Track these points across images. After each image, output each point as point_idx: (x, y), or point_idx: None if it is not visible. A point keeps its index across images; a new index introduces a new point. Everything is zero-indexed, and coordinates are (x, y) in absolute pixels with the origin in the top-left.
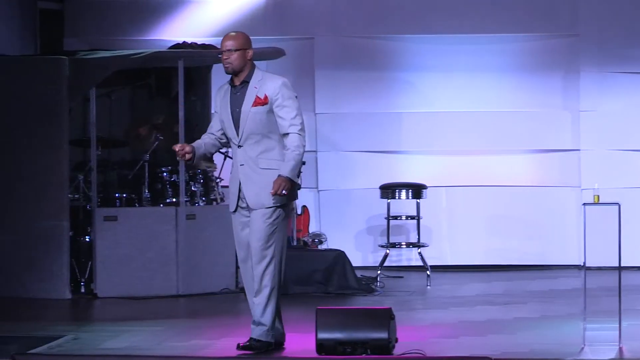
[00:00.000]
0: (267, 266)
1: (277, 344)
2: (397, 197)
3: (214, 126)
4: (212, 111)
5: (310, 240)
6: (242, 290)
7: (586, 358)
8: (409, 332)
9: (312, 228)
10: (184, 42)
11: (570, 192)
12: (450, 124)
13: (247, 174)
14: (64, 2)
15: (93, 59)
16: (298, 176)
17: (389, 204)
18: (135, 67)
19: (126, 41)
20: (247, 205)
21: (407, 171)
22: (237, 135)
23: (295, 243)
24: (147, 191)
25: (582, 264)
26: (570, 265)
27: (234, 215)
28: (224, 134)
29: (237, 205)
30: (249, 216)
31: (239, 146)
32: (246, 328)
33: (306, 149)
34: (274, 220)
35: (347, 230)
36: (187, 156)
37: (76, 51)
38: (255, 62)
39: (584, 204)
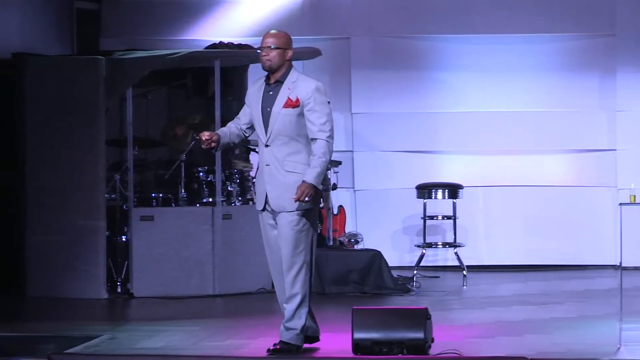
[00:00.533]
0: (297, 273)
1: (313, 338)
2: (433, 197)
3: (242, 118)
4: (245, 101)
5: (347, 240)
6: None
7: (622, 358)
8: (445, 332)
9: (349, 228)
10: (220, 42)
11: (607, 192)
12: (486, 123)
13: (272, 174)
14: (100, 2)
15: (130, 59)
16: (322, 182)
17: (425, 204)
18: (172, 67)
19: (163, 41)
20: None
21: (444, 171)
22: (265, 134)
23: (331, 243)
24: (183, 191)
25: (618, 264)
26: (606, 265)
27: (262, 215)
28: (249, 127)
29: (265, 205)
30: (274, 217)
31: (266, 145)
32: None
33: (343, 149)
34: (302, 226)
35: (383, 230)
36: (213, 145)
37: (113, 51)
38: (292, 63)
39: (620, 203)
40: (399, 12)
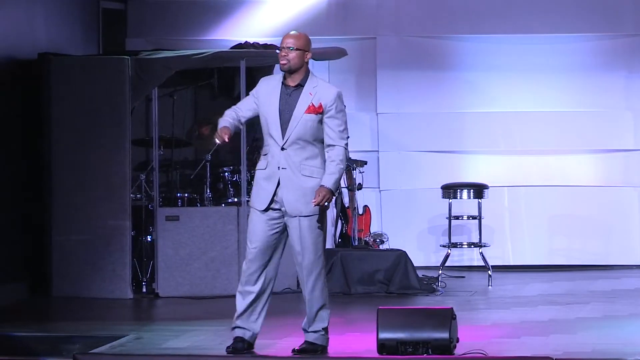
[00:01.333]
0: (317, 277)
1: (250, 344)
2: (458, 197)
3: (244, 110)
4: (250, 95)
5: (372, 240)
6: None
7: None
8: (470, 332)
9: (374, 228)
10: (246, 42)
11: (633, 192)
12: (511, 123)
13: (289, 178)
14: (126, 2)
15: (156, 59)
16: (348, 183)
17: (450, 204)
18: (198, 67)
19: (188, 41)
20: (282, 209)
21: (469, 171)
22: (283, 137)
23: (356, 243)
24: (208, 191)
25: None
26: (633, 265)
27: (261, 214)
28: (246, 120)
29: (269, 206)
30: (278, 219)
31: (283, 148)
32: None
33: (369, 149)
34: (320, 230)
35: (408, 230)
36: (226, 138)
37: (139, 51)
38: (315, 63)
39: None
40: (424, 12)
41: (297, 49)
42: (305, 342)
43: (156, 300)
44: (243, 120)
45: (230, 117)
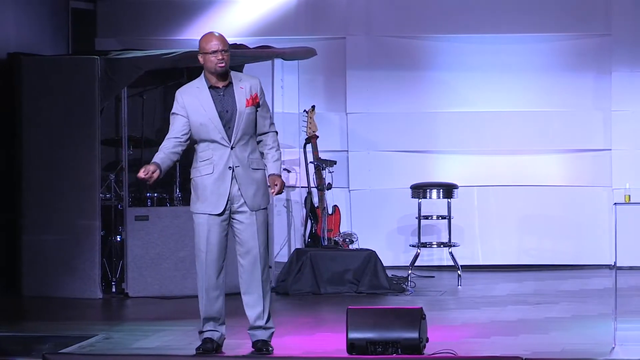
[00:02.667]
0: (266, 270)
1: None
2: (428, 197)
3: (178, 129)
4: (175, 114)
5: (342, 239)
6: (273, 289)
7: (617, 358)
8: (440, 331)
9: (343, 228)
10: None
11: (602, 191)
12: (481, 123)
13: (243, 175)
14: (96, 2)
15: (125, 59)
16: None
17: (420, 204)
18: (168, 66)
19: (158, 41)
20: (242, 207)
21: (439, 171)
22: (229, 136)
23: (326, 243)
24: (178, 191)
25: (613, 264)
26: (601, 265)
27: (214, 218)
28: (188, 138)
29: (225, 208)
30: (227, 219)
31: (231, 148)
32: (280, 327)
33: (338, 149)
34: (267, 222)
35: (378, 229)
36: (155, 175)
37: (108, 51)
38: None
39: (615, 203)
40: (394, 12)
41: (227, 50)
42: (264, 341)
43: (126, 300)
44: (184, 139)
45: (165, 149)
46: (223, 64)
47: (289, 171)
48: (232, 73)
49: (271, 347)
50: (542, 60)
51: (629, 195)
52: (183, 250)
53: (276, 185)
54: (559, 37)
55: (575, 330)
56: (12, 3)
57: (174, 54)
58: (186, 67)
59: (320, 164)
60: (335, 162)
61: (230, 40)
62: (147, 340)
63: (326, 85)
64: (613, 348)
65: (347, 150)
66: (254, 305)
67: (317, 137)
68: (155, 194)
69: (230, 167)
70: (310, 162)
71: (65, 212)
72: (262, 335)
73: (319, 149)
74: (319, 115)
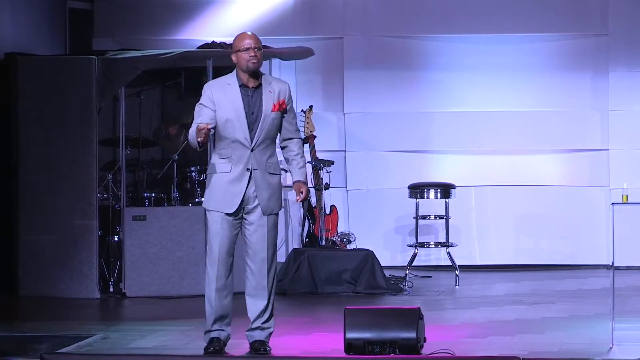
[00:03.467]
0: (275, 274)
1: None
2: (425, 197)
3: (205, 119)
4: (202, 105)
5: (339, 239)
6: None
7: (615, 358)
8: (437, 331)
9: (341, 228)
10: (213, 41)
11: (599, 191)
12: (478, 123)
13: (260, 178)
14: (93, 1)
15: (122, 59)
16: (315, 183)
17: (417, 204)
18: (165, 66)
19: (155, 41)
20: (254, 210)
21: (436, 171)
22: (252, 138)
23: (323, 243)
24: (176, 191)
25: (610, 264)
26: (599, 265)
27: (226, 217)
28: (214, 127)
29: (238, 209)
30: (239, 220)
31: (252, 150)
32: (278, 327)
33: (336, 149)
34: (277, 227)
35: (375, 229)
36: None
37: (105, 51)
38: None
39: (613, 203)
40: (392, 12)
41: (260, 49)
42: (262, 342)
43: (123, 300)
44: (211, 132)
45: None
46: (256, 61)
47: (286, 171)
48: (264, 76)
49: (269, 347)
50: (540, 60)
51: (627, 195)
52: (180, 250)
53: (302, 192)
54: (556, 37)
55: (573, 330)
56: (9, 3)
57: (172, 54)
58: (183, 67)
59: (318, 164)
60: (332, 162)
61: (227, 40)
62: (145, 340)
63: (323, 86)
64: (610, 348)
65: (345, 150)
66: (257, 308)
67: (315, 137)
68: (153, 194)
69: (248, 169)
70: (308, 162)
71: (62, 212)
72: (259, 335)
73: (316, 149)
74: (316, 115)
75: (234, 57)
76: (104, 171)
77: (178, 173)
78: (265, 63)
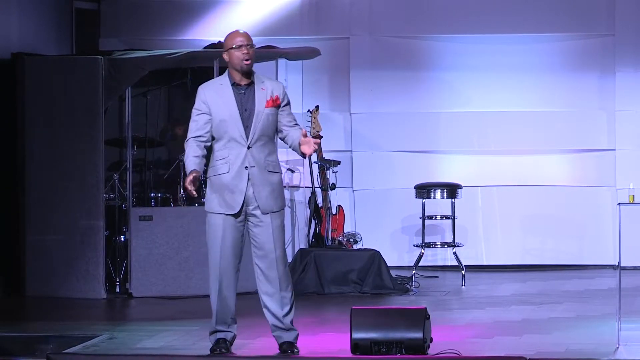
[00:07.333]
0: (288, 273)
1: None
2: (432, 197)
3: (202, 126)
4: (197, 110)
5: (345, 240)
6: None
7: (621, 358)
8: (444, 332)
9: (347, 228)
10: (219, 41)
11: (606, 191)
12: (485, 123)
13: (257, 176)
14: (99, 2)
15: (129, 59)
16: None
17: (424, 204)
18: (171, 67)
19: (162, 41)
20: (256, 209)
21: (443, 171)
22: (247, 136)
23: (330, 243)
24: (182, 191)
25: (617, 264)
26: (605, 265)
27: (229, 218)
28: (210, 136)
29: (241, 209)
30: (243, 220)
31: (248, 147)
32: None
33: (342, 149)
34: (283, 225)
35: (382, 229)
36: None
37: (112, 51)
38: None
39: (619, 203)
40: (398, 12)
41: (252, 46)
42: (290, 343)
43: (130, 300)
44: (207, 135)
45: (194, 154)
46: (248, 58)
47: (292, 171)
48: (256, 75)
49: (296, 349)
50: (546, 60)
51: (633, 195)
52: (187, 250)
53: (313, 141)
54: (563, 37)
55: (579, 330)
56: (16, 3)
57: (178, 54)
58: (190, 67)
59: (324, 164)
60: (339, 162)
61: None
62: (151, 340)
63: (330, 86)
64: (617, 348)
65: (351, 151)
66: (271, 307)
67: (321, 137)
68: (160, 194)
69: (246, 167)
70: (314, 162)
71: (69, 212)
72: (287, 337)
73: (322, 149)
74: (322, 116)
75: (225, 56)
76: (111, 171)
77: (184, 173)
78: (272, 63)
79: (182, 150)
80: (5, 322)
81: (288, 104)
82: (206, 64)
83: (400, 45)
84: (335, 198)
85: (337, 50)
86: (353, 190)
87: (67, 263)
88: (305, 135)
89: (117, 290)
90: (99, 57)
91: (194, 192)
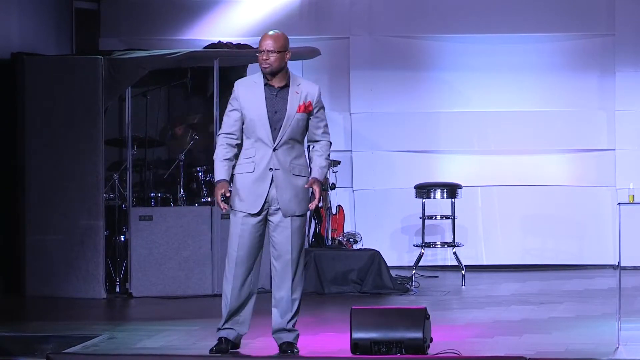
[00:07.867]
0: (301, 277)
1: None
2: (432, 197)
3: (232, 124)
4: (230, 106)
5: (345, 239)
6: None
7: (621, 358)
8: (444, 331)
9: (347, 228)
10: (219, 41)
11: (606, 191)
12: (484, 123)
13: (282, 178)
14: (99, 1)
15: (129, 59)
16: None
17: (423, 204)
18: (171, 66)
19: (162, 41)
20: (270, 210)
21: (442, 171)
22: (274, 138)
23: (330, 243)
24: (182, 190)
25: (617, 264)
26: (605, 265)
27: (249, 217)
28: (241, 135)
29: (262, 209)
30: (263, 220)
31: (274, 149)
32: None
33: (342, 149)
34: (304, 229)
35: (382, 229)
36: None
37: (112, 51)
38: (288, 62)
39: (619, 203)
40: (398, 12)
41: (277, 52)
42: (290, 344)
43: (130, 300)
44: (238, 133)
45: (224, 156)
46: (266, 66)
47: None
48: (292, 76)
49: (296, 349)
50: (546, 60)
51: (633, 195)
52: (187, 250)
53: (316, 191)
54: (563, 37)
55: (579, 330)
56: (16, 3)
57: (178, 54)
58: (190, 67)
59: None
60: (339, 162)
61: (234, 40)
62: (151, 340)
63: (330, 85)
64: (617, 348)
65: (351, 150)
66: (280, 308)
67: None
68: (160, 194)
69: (270, 169)
70: None
71: (69, 212)
72: (287, 337)
73: None
74: None
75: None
76: (111, 171)
77: (184, 173)
78: None
79: (182, 150)
80: (5, 322)
81: (322, 108)
82: (206, 64)
83: (400, 45)
84: (335, 198)
85: (337, 50)
86: (353, 190)
87: (67, 263)
88: (315, 196)
89: (117, 290)
90: (99, 57)
91: (225, 209)
